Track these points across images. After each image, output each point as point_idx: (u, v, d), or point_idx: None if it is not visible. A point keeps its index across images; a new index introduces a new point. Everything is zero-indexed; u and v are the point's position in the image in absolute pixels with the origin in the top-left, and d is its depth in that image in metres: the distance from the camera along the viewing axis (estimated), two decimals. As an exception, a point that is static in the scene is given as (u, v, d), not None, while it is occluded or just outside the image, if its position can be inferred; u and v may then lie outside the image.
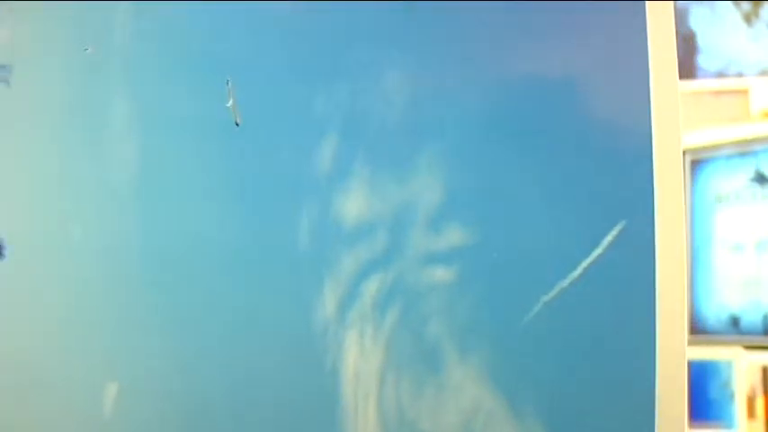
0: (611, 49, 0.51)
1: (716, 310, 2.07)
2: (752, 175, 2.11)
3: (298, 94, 0.53)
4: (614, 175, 0.49)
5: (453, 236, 0.50)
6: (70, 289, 0.54)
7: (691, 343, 1.75)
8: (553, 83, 0.50)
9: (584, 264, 0.48)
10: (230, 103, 0.54)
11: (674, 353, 0.46)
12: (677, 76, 0.46)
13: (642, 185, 0.47)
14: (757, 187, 2.09)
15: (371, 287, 0.50)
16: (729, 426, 1.89)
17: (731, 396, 1.91)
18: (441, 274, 0.50)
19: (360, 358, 0.49)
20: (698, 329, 2.06)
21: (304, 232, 0.51)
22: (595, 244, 0.48)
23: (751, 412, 2.17)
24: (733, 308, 2.05)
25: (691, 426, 1.76)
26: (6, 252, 0.55)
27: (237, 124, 0.53)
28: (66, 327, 0.54)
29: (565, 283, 0.48)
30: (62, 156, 0.56)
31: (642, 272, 0.47)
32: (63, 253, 0.54)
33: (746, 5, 2.68)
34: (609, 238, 0.48)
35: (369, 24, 0.54)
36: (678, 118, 0.46)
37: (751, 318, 2.01)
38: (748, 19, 2.69)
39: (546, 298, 0.48)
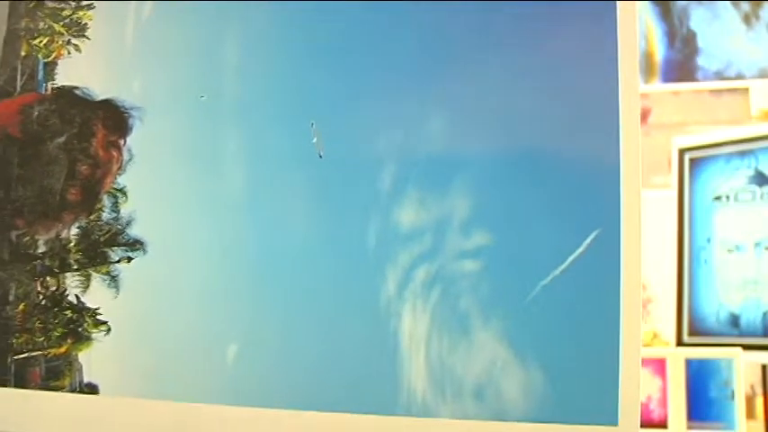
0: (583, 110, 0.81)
1: (715, 310, 2.17)
2: (751, 174, 2.21)
3: (366, 135, 0.82)
4: (593, 196, 0.78)
5: (478, 238, 0.79)
6: (197, 277, 0.83)
7: (690, 343, 1.94)
8: (550, 130, 0.80)
9: (571, 258, 0.77)
10: (315, 140, 0.82)
11: (632, 320, 0.75)
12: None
13: (613, 207, 0.77)
14: (757, 187, 2.19)
15: (420, 274, 0.79)
16: (729, 426, 1.95)
17: (731, 396, 1.97)
18: (469, 264, 0.79)
19: (413, 323, 0.78)
20: (697, 329, 2.18)
21: (372, 235, 0.80)
22: (578, 245, 0.77)
23: (750, 412, 2.23)
24: (732, 307, 2.15)
25: (690, 426, 1.97)
26: (149, 250, 0.84)
27: (321, 156, 0.82)
28: (195, 305, 0.83)
29: (557, 272, 0.77)
30: (187, 178, 0.85)
31: (610, 265, 0.76)
32: (191, 251, 0.83)
33: (746, 6, 2.84)
34: (588, 240, 0.77)
35: (416, 83, 0.83)
36: (639, 163, 0.76)
37: (750, 317, 2.10)
38: (748, 19, 2.84)
39: (543, 282, 0.77)
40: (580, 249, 0.77)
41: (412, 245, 0.80)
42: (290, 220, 0.82)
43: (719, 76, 2.82)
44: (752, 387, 2.37)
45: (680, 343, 2.21)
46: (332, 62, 0.85)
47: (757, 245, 2.15)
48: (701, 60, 2.84)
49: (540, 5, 0.83)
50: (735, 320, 2.15)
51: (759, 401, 2.27)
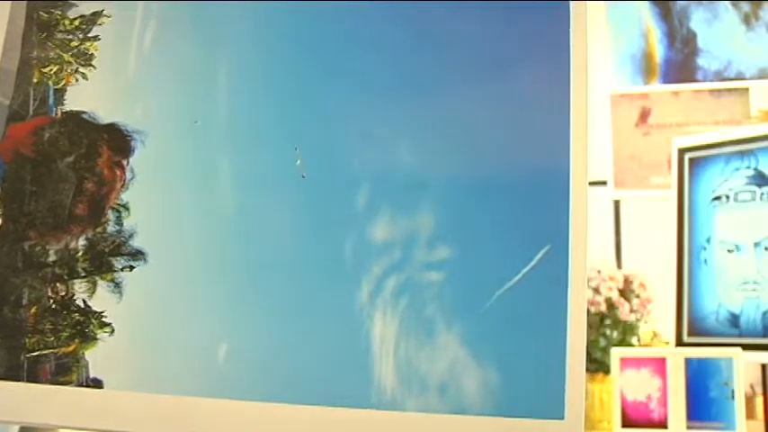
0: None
1: (715, 310, 2.26)
2: (751, 175, 2.28)
3: (342, 158, 0.96)
4: (545, 215, 0.92)
5: (442, 252, 0.93)
6: (191, 282, 0.98)
7: (690, 343, 2.01)
8: (506, 156, 0.94)
9: (523, 271, 0.91)
10: (298, 162, 0.96)
11: (577, 326, 0.88)
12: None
13: (562, 226, 0.90)
14: (756, 187, 2.26)
15: (391, 283, 0.93)
16: (729, 426, 2.00)
17: (731, 396, 2.01)
18: (434, 276, 0.93)
19: (383, 327, 0.92)
20: (697, 329, 2.28)
21: (348, 248, 0.94)
22: (530, 259, 0.91)
23: (750, 412, 2.39)
24: (732, 307, 2.24)
25: (690, 425, 2.03)
26: (149, 260, 0.98)
27: (303, 177, 0.96)
28: (190, 309, 0.97)
29: (511, 283, 0.91)
30: (184, 195, 0.99)
31: (559, 277, 0.90)
32: (187, 260, 0.98)
33: (746, 6, 2.87)
34: (539, 255, 0.91)
35: (388, 111, 0.97)
36: (586, 187, 0.89)
37: (750, 317, 2.19)
38: (748, 20, 2.92)
39: (498, 292, 0.91)
40: (532, 263, 0.91)
41: (383, 257, 0.94)
42: (275, 233, 0.97)
43: (719, 76, 2.89)
44: (752, 387, 2.59)
45: (680, 343, 2.31)
46: (312, 92, 1.00)
47: (757, 245, 2.23)
48: (701, 60, 2.92)
49: (502, 42, 0.96)
50: (734, 320, 2.23)
51: (759, 401, 2.41)
